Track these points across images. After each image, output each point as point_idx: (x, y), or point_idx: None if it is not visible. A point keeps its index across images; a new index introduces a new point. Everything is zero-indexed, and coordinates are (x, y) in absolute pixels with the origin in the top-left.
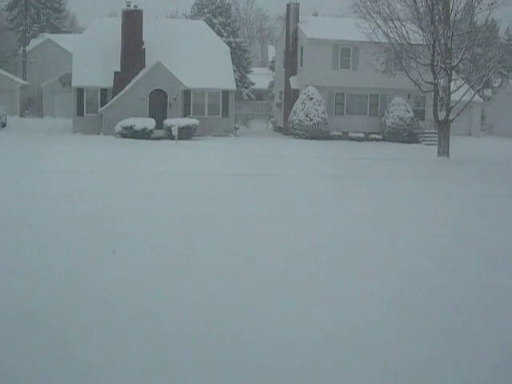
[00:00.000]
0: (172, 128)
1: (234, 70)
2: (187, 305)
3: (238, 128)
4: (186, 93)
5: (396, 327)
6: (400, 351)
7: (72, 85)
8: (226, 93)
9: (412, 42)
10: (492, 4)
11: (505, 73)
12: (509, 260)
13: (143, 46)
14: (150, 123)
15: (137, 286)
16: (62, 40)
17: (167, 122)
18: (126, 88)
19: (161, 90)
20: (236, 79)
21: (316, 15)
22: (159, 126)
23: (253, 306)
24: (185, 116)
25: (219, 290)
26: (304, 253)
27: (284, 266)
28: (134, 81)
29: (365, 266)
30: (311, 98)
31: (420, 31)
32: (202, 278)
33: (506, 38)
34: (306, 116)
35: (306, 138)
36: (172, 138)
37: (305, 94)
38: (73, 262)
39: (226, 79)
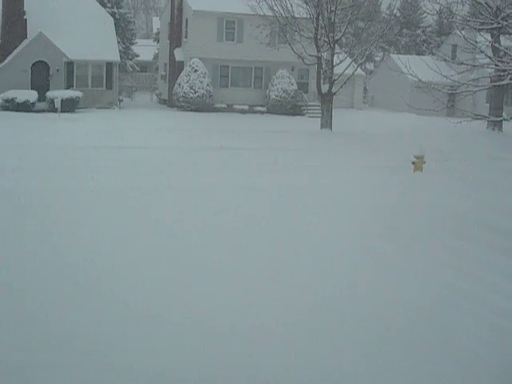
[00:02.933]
0: (55, 100)
1: (118, 42)
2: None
3: (122, 100)
4: (69, 64)
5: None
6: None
7: None
8: (109, 64)
9: (296, 16)
10: None
11: (386, 47)
12: (388, 227)
13: (25, 17)
14: (31, 95)
15: None
16: None
17: (50, 94)
18: (7, 60)
19: (43, 62)
20: (120, 51)
21: None
22: (42, 98)
23: None
24: (68, 88)
25: None
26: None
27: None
28: (15, 52)
29: (250, 238)
30: (196, 71)
31: (304, 5)
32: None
33: (387, 12)
34: (191, 88)
35: (191, 111)
36: (55, 110)
37: (189, 66)
38: None
39: (109, 51)
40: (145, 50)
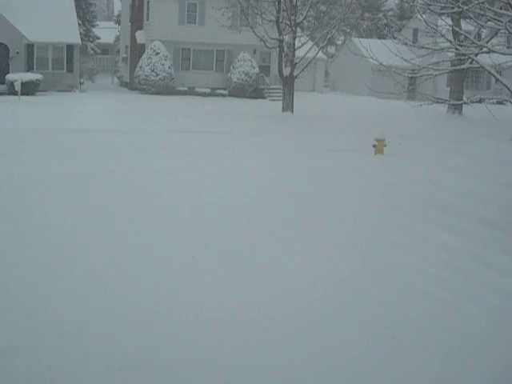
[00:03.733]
0: (15, 83)
1: (79, 24)
2: None
3: (83, 83)
4: (29, 47)
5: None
6: None
7: None
8: (70, 47)
9: None
10: None
11: (348, 30)
12: (347, 209)
13: None
14: None
15: None
16: None
17: (9, 76)
18: None
19: (2, 44)
20: (81, 33)
21: None
22: (1, 81)
23: None
24: (28, 71)
25: None
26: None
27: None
28: None
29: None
30: (157, 53)
31: None
32: None
33: None
34: (152, 71)
35: (152, 94)
36: (15, 93)
37: (151, 48)
38: None
39: (70, 33)
40: (106, 32)
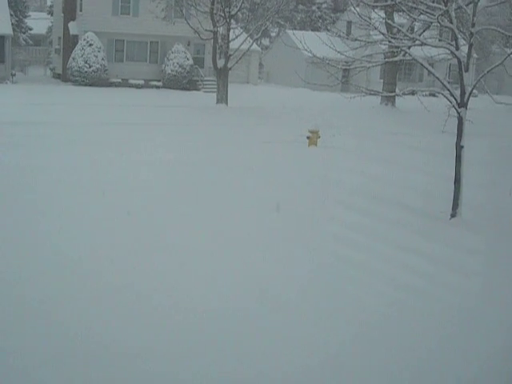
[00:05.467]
0: None
1: (11, 15)
2: None
3: (15, 75)
4: None
5: None
6: None
7: None
8: (1, 38)
9: None
10: None
11: (282, 23)
12: (281, 200)
13: None
14: None
15: None
16: None
17: None
18: None
19: None
20: (13, 24)
21: None
22: None
23: None
24: None
25: None
26: None
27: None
28: None
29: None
30: (91, 45)
31: None
32: None
33: None
34: (86, 62)
35: (86, 85)
36: None
37: (84, 40)
38: None
39: (1, 23)
40: (38, 23)
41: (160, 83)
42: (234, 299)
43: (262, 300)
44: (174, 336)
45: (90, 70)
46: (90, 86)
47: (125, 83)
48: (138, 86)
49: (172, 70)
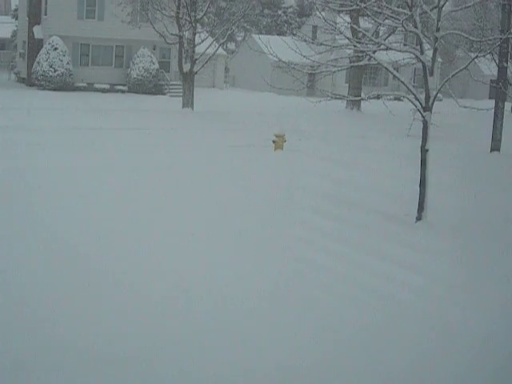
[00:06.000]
0: None
1: None
2: None
3: None
4: None
5: None
6: None
7: None
8: None
9: None
10: None
11: (248, 27)
12: (247, 204)
13: None
14: None
15: None
16: None
17: None
18: None
19: None
20: None
21: None
22: None
23: None
24: None
25: None
26: None
27: None
28: None
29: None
30: (56, 49)
31: None
32: None
33: None
34: (51, 67)
35: (51, 90)
36: None
37: (49, 44)
38: None
39: None
40: (3, 27)
41: (126, 87)
42: (192, 306)
43: (224, 306)
44: None
45: (55, 74)
46: (55, 90)
47: (90, 87)
48: (103, 91)
49: (138, 75)
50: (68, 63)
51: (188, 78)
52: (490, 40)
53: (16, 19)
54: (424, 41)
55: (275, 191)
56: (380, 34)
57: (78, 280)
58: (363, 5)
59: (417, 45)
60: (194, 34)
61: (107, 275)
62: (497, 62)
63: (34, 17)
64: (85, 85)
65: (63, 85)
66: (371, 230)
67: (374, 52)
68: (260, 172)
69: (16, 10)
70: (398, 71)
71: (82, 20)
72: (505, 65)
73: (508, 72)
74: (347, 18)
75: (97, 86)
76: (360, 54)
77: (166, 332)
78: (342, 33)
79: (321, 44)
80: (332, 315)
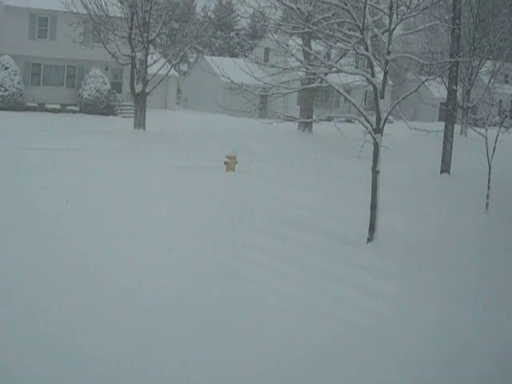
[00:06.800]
0: None
1: None
2: None
3: None
4: None
5: None
6: None
7: None
8: None
9: (111, 15)
10: None
11: (200, 48)
12: (196, 225)
13: None
14: None
15: None
16: None
17: None
18: None
19: None
20: None
21: None
22: None
23: None
24: None
25: None
26: None
27: None
28: None
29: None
30: (6, 68)
31: (118, 4)
32: None
33: (202, 14)
34: (1, 86)
35: (1, 109)
36: None
37: (0, 63)
38: None
39: None
40: None
41: (77, 108)
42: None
43: (179, 328)
44: None
45: (6, 93)
46: (6, 110)
47: (41, 107)
48: (54, 111)
49: (89, 95)
50: (19, 83)
51: (140, 99)
52: (440, 63)
53: None
54: (375, 64)
55: (225, 212)
56: (332, 57)
57: None
58: (315, 28)
59: (368, 67)
60: (147, 55)
61: None
62: (446, 84)
63: None
64: (36, 105)
65: (14, 104)
66: (322, 251)
67: (326, 74)
68: (210, 193)
69: None
70: (349, 93)
71: (33, 39)
72: (454, 88)
73: (457, 95)
74: (299, 41)
75: (48, 106)
76: (312, 77)
77: None
78: (293, 55)
79: (273, 66)
80: (283, 336)
